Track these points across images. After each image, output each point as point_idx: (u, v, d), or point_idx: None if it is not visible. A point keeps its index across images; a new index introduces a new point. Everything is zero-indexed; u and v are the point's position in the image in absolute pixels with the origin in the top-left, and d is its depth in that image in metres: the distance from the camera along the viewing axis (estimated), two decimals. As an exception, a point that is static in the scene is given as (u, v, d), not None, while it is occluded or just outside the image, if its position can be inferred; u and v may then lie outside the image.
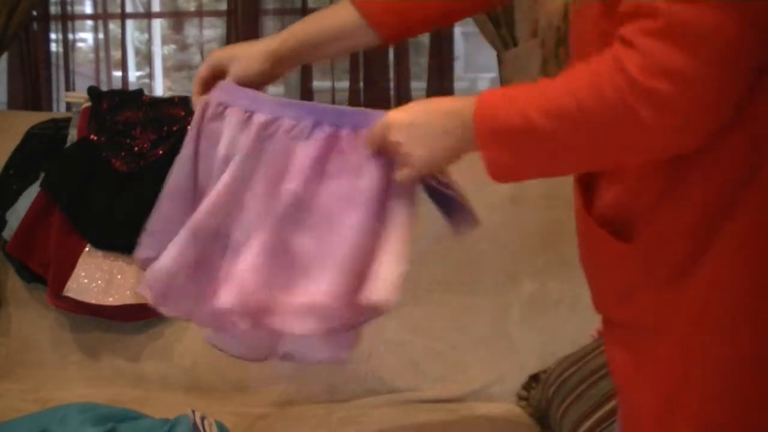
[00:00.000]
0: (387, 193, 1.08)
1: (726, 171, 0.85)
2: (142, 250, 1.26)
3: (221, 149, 1.17)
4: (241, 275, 1.10)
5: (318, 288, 1.08)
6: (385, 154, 1.04)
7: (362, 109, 1.13)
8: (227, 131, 1.17)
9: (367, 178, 1.07)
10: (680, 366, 0.90)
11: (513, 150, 0.90)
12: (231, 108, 1.18)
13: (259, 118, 1.16)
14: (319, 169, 1.11)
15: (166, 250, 1.16)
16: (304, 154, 1.11)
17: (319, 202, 1.11)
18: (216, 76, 1.21)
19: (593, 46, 0.87)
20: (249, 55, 1.20)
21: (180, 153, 1.21)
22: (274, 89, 2.79)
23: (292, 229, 1.11)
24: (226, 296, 1.10)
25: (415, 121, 0.99)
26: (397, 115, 1.01)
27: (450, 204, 1.14)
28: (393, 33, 1.20)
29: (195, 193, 1.20)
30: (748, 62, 0.79)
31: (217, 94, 1.19)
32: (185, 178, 1.20)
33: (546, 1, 0.95)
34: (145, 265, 1.24)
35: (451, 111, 0.96)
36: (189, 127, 1.22)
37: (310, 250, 1.11)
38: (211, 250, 1.15)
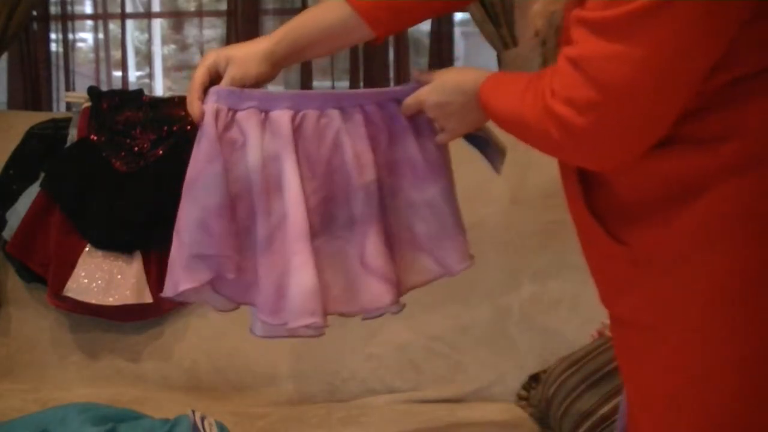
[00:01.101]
0: (431, 152, 1.29)
1: (724, 176, 0.84)
2: (199, 275, 1.19)
3: (253, 156, 1.18)
4: (384, 271, 1.25)
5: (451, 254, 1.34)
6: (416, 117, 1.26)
7: (369, 89, 1.26)
8: (252, 135, 1.18)
9: (413, 143, 1.28)
10: (681, 366, 0.90)
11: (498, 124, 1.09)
12: (242, 112, 1.18)
13: (280, 114, 1.18)
14: (374, 147, 1.25)
15: (295, 273, 1.18)
16: (354, 142, 1.23)
17: (393, 180, 1.28)
18: (212, 79, 1.19)
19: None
20: (246, 57, 1.19)
21: (204, 168, 1.18)
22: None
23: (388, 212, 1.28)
24: (389, 295, 1.25)
25: (441, 101, 1.20)
26: (426, 97, 1.21)
27: (484, 144, 1.31)
28: (387, 29, 1.23)
29: (234, 203, 1.19)
30: (659, 98, 0.82)
31: (224, 101, 1.18)
32: (227, 194, 1.18)
33: (528, 4, 0.98)
34: (205, 286, 1.21)
35: (465, 90, 1.16)
36: (202, 138, 1.18)
37: (421, 230, 1.30)
38: (331, 249, 1.23)
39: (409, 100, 1.24)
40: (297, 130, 1.20)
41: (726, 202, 0.85)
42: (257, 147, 1.18)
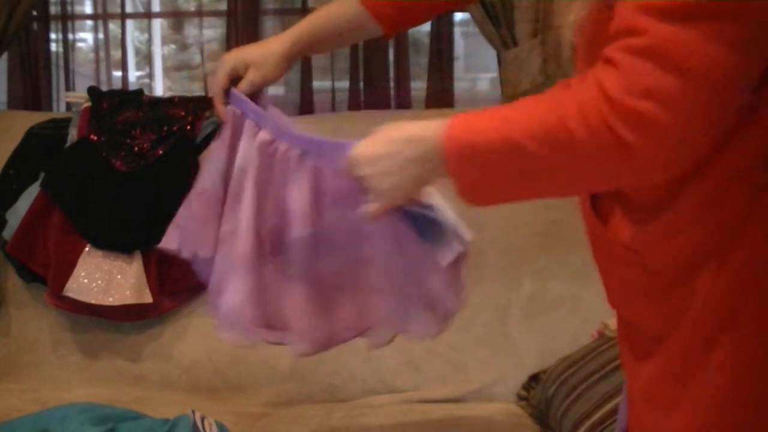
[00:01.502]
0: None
1: (731, 186, 0.84)
2: (168, 241, 1.32)
3: (239, 159, 1.24)
4: (298, 322, 1.23)
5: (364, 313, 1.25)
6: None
7: (341, 141, 1.07)
8: (243, 142, 1.23)
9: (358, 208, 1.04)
10: (682, 372, 0.90)
11: (486, 171, 0.86)
12: (248, 120, 1.24)
13: (263, 135, 1.22)
14: (316, 202, 1.18)
15: (229, 292, 1.22)
16: (299, 193, 1.18)
17: (331, 235, 1.21)
18: (233, 81, 1.26)
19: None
20: (266, 61, 1.25)
21: (212, 156, 1.28)
22: (273, 89, 2.78)
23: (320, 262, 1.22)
24: (303, 348, 1.24)
25: (378, 153, 0.96)
26: (360, 150, 0.99)
27: (434, 227, 1.09)
28: (396, 26, 1.27)
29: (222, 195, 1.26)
30: (733, 85, 0.78)
31: (236, 104, 1.25)
32: (219, 181, 1.25)
33: (562, 14, 0.91)
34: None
35: (415, 137, 0.93)
36: (220, 133, 1.28)
37: (341, 281, 1.24)
38: (264, 273, 1.23)
39: (345, 159, 1.01)
40: (272, 155, 1.21)
41: (735, 209, 0.84)
42: (242, 156, 1.23)
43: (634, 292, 0.94)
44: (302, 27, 1.27)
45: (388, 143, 0.96)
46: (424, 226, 1.07)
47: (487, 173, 0.87)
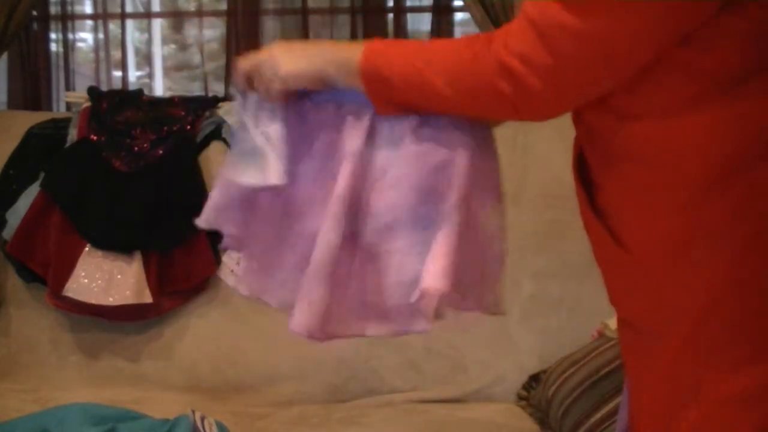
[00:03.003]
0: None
1: (721, 187, 0.84)
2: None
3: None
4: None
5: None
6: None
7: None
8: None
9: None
10: (680, 371, 0.90)
11: (398, 94, 0.98)
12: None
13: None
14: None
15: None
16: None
17: None
18: None
19: None
20: None
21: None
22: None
23: None
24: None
25: (297, 45, 1.05)
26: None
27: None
28: None
29: None
30: (606, 73, 0.86)
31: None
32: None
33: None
34: None
35: (339, 50, 1.02)
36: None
37: None
38: None
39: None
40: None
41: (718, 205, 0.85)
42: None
43: (631, 293, 0.94)
44: None
45: (311, 45, 1.09)
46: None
47: (398, 95, 0.98)
